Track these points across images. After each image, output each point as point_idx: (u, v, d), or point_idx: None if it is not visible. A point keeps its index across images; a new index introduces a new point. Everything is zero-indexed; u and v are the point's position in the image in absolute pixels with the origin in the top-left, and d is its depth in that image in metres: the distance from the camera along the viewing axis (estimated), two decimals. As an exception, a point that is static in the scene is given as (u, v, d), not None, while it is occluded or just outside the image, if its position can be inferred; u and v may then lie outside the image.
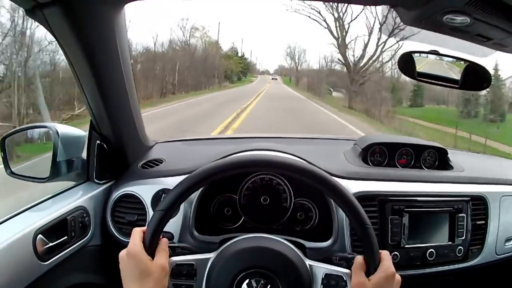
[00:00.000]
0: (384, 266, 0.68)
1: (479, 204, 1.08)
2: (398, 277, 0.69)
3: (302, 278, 0.72)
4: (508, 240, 1.11)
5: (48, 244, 0.82)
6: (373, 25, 17.38)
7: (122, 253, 0.67)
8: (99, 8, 0.82)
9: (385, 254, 0.70)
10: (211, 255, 0.74)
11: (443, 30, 0.64)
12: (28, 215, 0.86)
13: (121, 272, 0.67)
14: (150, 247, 0.67)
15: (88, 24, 0.82)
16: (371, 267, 0.68)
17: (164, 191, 0.99)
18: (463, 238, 1.04)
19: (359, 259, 0.71)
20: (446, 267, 1.03)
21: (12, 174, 0.96)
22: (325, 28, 18.45)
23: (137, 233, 0.69)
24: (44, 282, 0.81)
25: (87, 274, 0.98)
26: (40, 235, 0.81)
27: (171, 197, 0.69)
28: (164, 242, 0.71)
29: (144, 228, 0.69)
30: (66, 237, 0.88)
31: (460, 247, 1.03)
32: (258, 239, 0.77)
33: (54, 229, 0.85)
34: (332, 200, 0.97)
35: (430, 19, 0.61)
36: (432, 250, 1.00)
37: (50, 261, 0.83)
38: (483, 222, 1.07)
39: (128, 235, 0.71)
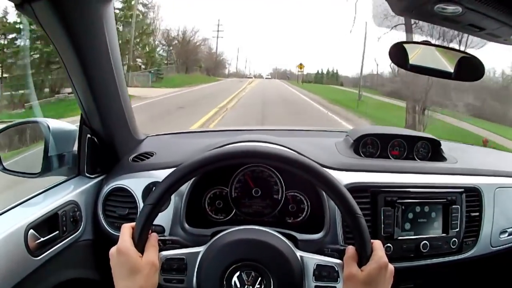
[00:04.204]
0: (377, 256, 0.67)
1: (473, 196, 1.07)
2: (391, 267, 0.68)
3: (293, 270, 0.72)
4: (503, 232, 1.10)
5: (40, 239, 0.82)
6: None
7: (112, 250, 0.67)
8: (88, 1, 0.81)
9: (377, 244, 0.70)
10: (201, 249, 0.74)
11: (435, 20, 0.62)
12: (19, 210, 0.86)
13: (112, 269, 0.67)
14: (140, 243, 0.67)
15: (77, 17, 0.82)
16: (363, 257, 0.68)
17: (155, 184, 0.99)
18: (457, 230, 1.03)
19: (350, 249, 0.70)
20: (440, 259, 1.03)
21: (4, 170, 0.96)
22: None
23: (126, 229, 0.69)
24: (36, 277, 0.81)
25: (79, 269, 0.97)
26: (31, 230, 0.80)
27: (159, 191, 0.68)
28: (153, 237, 0.70)
29: (133, 224, 0.69)
30: (57, 231, 0.87)
31: (454, 239, 1.03)
32: (248, 231, 0.76)
33: (45, 224, 0.85)
34: (324, 192, 0.97)
35: (420, 8, 0.59)
36: (426, 242, 1.00)
37: (42, 256, 0.82)
38: (477, 214, 1.07)
39: (120, 229, 0.71)
